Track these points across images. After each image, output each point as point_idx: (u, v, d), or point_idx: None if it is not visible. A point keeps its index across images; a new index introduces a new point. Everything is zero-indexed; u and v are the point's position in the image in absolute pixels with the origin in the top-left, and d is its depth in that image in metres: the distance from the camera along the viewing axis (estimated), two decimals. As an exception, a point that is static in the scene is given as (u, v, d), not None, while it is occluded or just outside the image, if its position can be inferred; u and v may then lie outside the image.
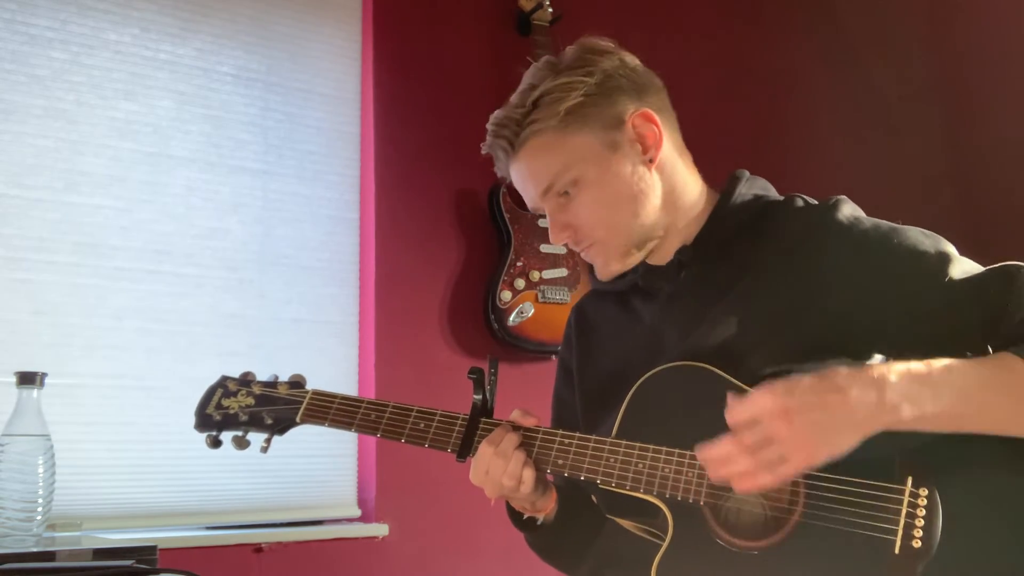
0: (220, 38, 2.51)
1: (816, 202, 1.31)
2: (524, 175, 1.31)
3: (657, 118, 1.29)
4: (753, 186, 1.36)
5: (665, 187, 1.30)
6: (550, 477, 1.32)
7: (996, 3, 3.78)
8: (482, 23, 2.89)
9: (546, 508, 1.33)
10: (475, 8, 2.90)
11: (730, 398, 1.09)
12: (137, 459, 2.24)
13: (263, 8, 2.59)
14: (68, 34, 2.31)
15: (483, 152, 1.34)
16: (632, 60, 1.33)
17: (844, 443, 1.06)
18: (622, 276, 1.35)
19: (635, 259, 1.32)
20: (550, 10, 2.81)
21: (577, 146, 1.27)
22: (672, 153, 1.32)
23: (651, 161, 1.29)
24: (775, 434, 1.05)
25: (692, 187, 1.34)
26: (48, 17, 2.29)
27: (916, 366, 1.08)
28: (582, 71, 1.27)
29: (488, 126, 1.31)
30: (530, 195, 1.32)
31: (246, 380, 1.39)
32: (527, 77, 1.31)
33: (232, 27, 2.53)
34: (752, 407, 1.06)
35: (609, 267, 1.33)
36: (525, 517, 1.36)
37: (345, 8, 2.72)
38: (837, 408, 1.05)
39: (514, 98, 1.30)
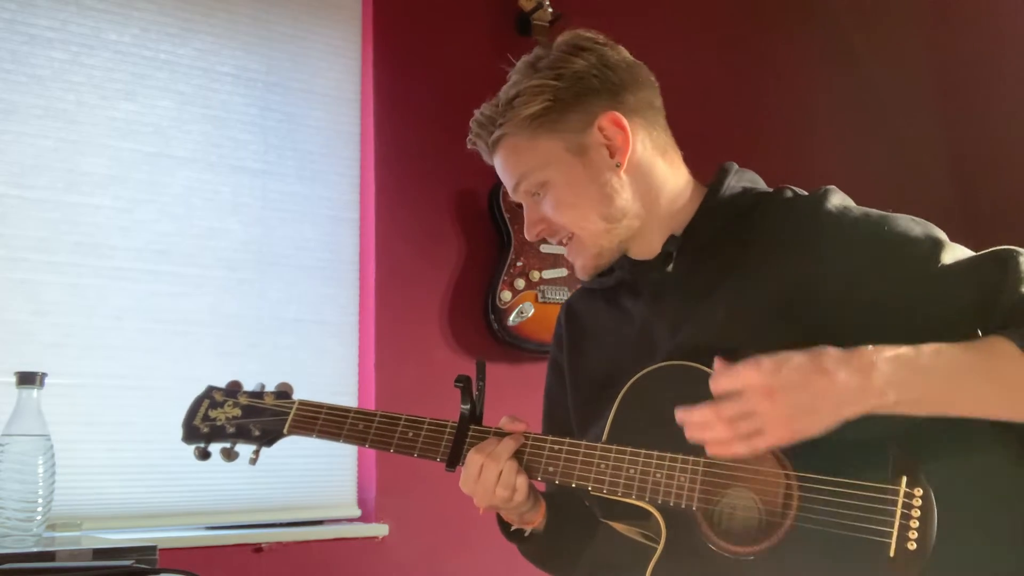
0: (220, 38, 2.51)
1: (805, 193, 1.29)
2: (500, 170, 1.33)
3: (626, 121, 1.27)
4: (742, 178, 1.34)
5: (638, 188, 1.29)
6: (541, 487, 1.32)
7: (996, 3, 3.77)
8: (482, 23, 2.89)
9: (534, 522, 1.33)
10: (475, 8, 2.89)
11: (717, 363, 1.09)
12: (137, 459, 2.24)
13: (263, 8, 2.59)
14: (68, 34, 2.31)
15: (468, 147, 1.36)
16: (615, 56, 1.30)
17: (821, 424, 1.07)
18: (610, 272, 1.35)
19: (608, 257, 1.32)
20: (550, 10, 2.81)
21: (544, 150, 1.27)
22: (648, 153, 1.30)
23: (619, 166, 1.28)
24: (755, 409, 1.06)
25: (672, 184, 1.31)
26: (48, 17, 2.29)
27: (905, 351, 1.07)
28: (554, 73, 1.26)
29: (471, 122, 1.33)
30: (507, 187, 1.35)
31: (232, 390, 1.38)
32: (514, 71, 1.31)
33: (232, 27, 2.53)
34: (737, 379, 1.07)
35: (584, 266, 1.33)
36: (513, 529, 1.36)
37: (345, 8, 2.72)
38: (821, 390, 1.05)
39: (501, 92, 1.31)
